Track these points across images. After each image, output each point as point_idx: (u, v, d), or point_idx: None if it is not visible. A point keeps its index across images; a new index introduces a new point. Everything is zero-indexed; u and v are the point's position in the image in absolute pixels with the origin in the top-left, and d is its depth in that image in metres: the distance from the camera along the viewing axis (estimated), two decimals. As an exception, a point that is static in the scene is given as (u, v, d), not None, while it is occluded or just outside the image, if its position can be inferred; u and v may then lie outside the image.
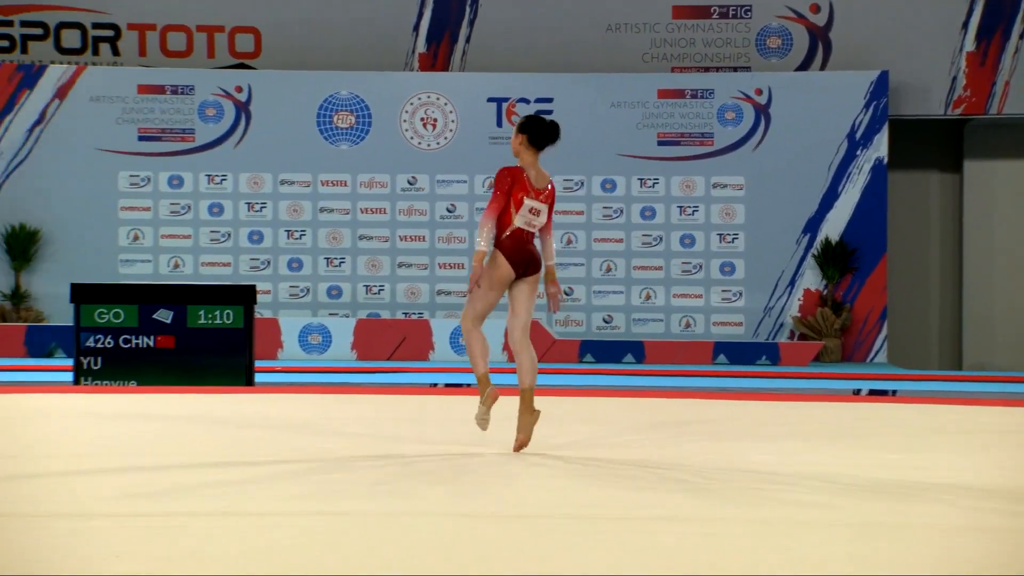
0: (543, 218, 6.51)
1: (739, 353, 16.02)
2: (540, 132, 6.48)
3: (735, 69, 17.38)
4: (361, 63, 17.29)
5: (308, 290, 16.91)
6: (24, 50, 17.09)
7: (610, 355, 16.07)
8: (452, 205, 17.02)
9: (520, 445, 6.38)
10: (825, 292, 16.74)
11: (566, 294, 16.87)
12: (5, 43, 17.08)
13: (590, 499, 4.93)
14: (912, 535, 4.33)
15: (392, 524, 4.32)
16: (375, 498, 4.88)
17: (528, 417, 6.39)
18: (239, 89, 16.94)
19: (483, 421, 6.45)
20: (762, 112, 17.01)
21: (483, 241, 6.37)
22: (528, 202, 6.44)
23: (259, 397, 9.49)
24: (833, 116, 16.88)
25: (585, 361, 16.01)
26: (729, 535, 4.22)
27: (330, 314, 16.74)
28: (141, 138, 16.85)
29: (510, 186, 6.42)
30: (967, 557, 4.00)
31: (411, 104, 17.03)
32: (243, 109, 16.94)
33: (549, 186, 6.54)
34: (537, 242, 6.59)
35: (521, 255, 6.47)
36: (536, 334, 16.03)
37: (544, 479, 5.51)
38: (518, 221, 6.45)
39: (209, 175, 16.88)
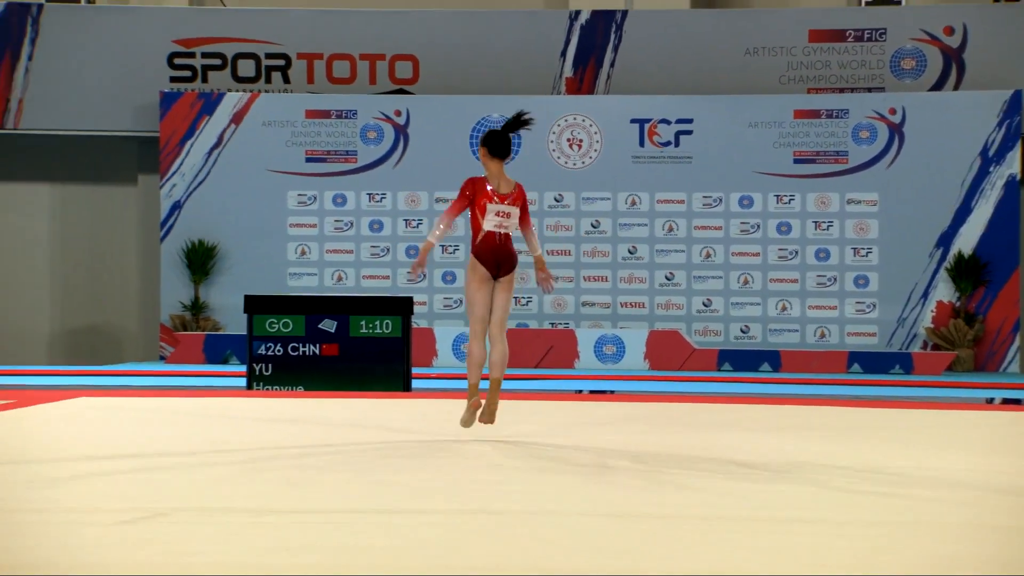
0: (515, 219, 6.90)
1: (873, 362, 15.72)
2: (497, 144, 6.97)
3: (869, 90, 17.09)
4: (512, 87, 17.40)
5: (460, 301, 17.04)
6: (204, 79, 17.56)
7: (747, 364, 15.89)
8: (596, 221, 17.02)
9: (486, 422, 6.93)
10: (958, 304, 16.34)
11: (704, 305, 16.77)
12: (187, 73, 17.58)
13: (751, 500, 4.88)
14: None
15: (544, 523, 4.33)
16: (514, 497, 4.89)
17: (494, 402, 6.90)
18: (398, 113, 17.18)
19: (466, 422, 6.96)
20: (896, 131, 16.69)
21: (432, 234, 6.83)
22: (492, 207, 6.82)
23: (415, 402, 9.60)
24: (966, 134, 16.49)
25: (723, 369, 15.86)
26: (863, 536, 4.16)
27: (482, 323, 16.82)
28: (308, 160, 17.18)
29: (472, 193, 6.84)
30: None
31: (558, 126, 17.09)
32: (401, 132, 17.18)
33: (515, 189, 6.95)
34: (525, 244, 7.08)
35: (495, 256, 6.87)
36: (676, 344, 15.99)
37: (695, 479, 5.48)
38: (487, 225, 6.83)
39: (370, 194, 17.14)
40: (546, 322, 16.88)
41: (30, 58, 17.30)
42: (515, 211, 6.89)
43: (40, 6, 17.38)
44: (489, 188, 6.89)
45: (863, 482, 5.50)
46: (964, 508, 4.88)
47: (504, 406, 9.24)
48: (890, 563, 3.83)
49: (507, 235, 6.91)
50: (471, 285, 6.87)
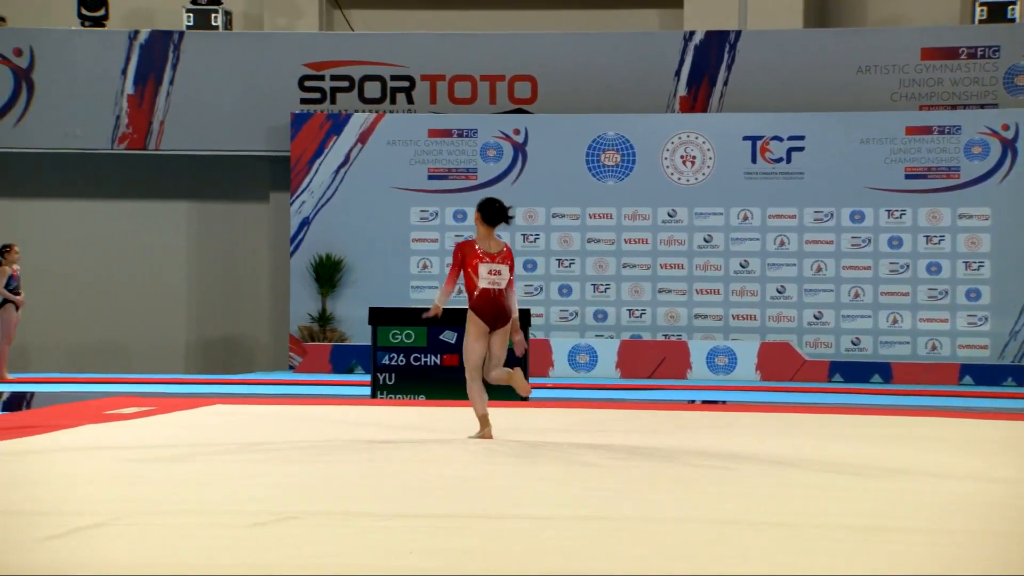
0: (505, 275, 7.25)
1: (985, 375, 15.31)
2: (490, 213, 7.31)
3: (982, 106, 16.68)
4: (627, 106, 17.34)
5: (576, 313, 17.01)
6: (333, 101, 17.79)
7: (858, 375, 15.60)
8: (709, 236, 16.86)
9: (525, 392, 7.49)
10: (1071, 318, 15.86)
11: (815, 318, 16.52)
12: (317, 95, 17.82)
13: (847, 508, 4.77)
14: None
15: (661, 530, 4.27)
16: (629, 504, 4.84)
17: (520, 379, 7.39)
18: (516, 132, 17.22)
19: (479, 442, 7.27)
20: (1009, 147, 16.27)
21: (440, 299, 7.34)
22: (484, 266, 7.22)
23: (532, 411, 9.57)
24: (1080, 149, 16.02)
25: (834, 381, 15.59)
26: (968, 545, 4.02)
27: (596, 335, 16.79)
28: (430, 177, 17.29)
29: (461, 258, 7.27)
30: None
31: (672, 143, 16.97)
32: (520, 149, 17.21)
33: (504, 249, 7.31)
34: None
35: (491, 310, 7.25)
36: (788, 356, 15.73)
37: (789, 487, 5.36)
38: (482, 283, 7.22)
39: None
40: (659, 334, 16.76)
41: (171, 83, 17.68)
42: (505, 269, 7.26)
43: (181, 33, 17.77)
44: (478, 248, 7.28)
45: (981, 493, 5.34)
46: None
47: (617, 415, 9.18)
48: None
49: (501, 291, 7.27)
50: (469, 337, 7.31)
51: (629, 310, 16.94)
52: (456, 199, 17.23)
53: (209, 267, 18.46)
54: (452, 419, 8.53)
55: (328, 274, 17.11)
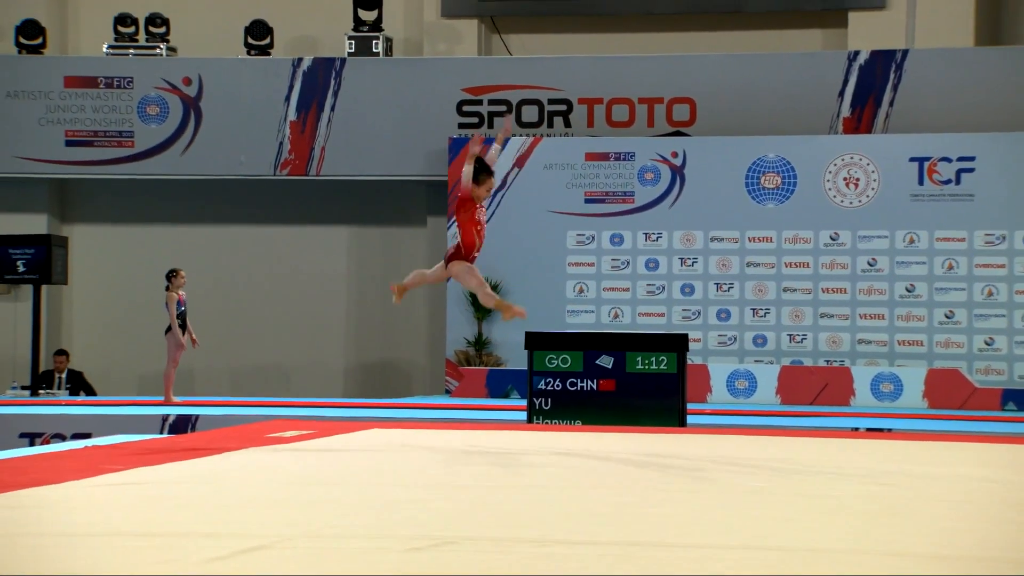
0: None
1: None
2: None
3: None
4: (788, 128, 17.10)
5: (735, 338, 16.80)
6: (490, 125, 17.94)
7: (1033, 405, 15.04)
8: (873, 259, 16.49)
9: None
10: None
11: (986, 344, 16.00)
12: (475, 120, 18.00)
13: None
14: None
15: (835, 562, 4.15)
16: (799, 534, 4.71)
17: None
18: (674, 154, 17.11)
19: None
20: None
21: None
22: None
23: (690, 437, 9.45)
24: None
25: (1007, 409, 15.05)
26: None
27: (755, 361, 16.55)
28: (587, 200, 17.29)
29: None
30: None
31: (834, 165, 16.66)
32: (678, 173, 17.10)
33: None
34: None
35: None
36: (957, 383, 15.25)
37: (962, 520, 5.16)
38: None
39: (647, 233, 17.11)
40: (821, 359, 16.43)
41: (332, 109, 18.06)
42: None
43: (343, 60, 18.14)
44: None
45: None
46: None
47: (779, 443, 8.99)
48: None
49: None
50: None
51: (790, 335, 16.65)
52: (613, 223, 17.20)
53: (368, 291, 18.76)
54: (609, 445, 8.46)
55: (484, 298, 17.17)
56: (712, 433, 10.03)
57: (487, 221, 8.32)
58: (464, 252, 7.98)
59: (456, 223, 8.08)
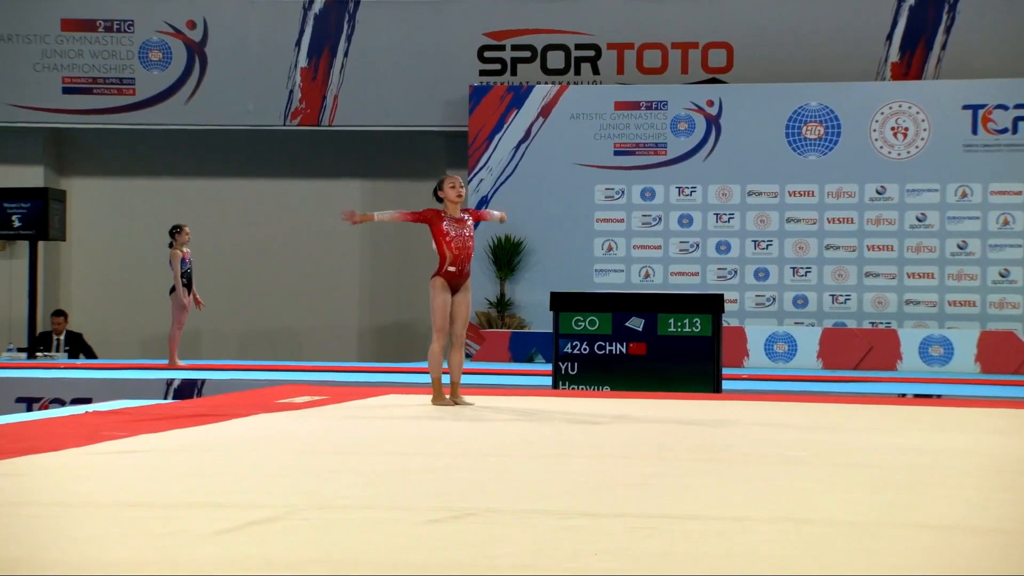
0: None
1: None
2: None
3: None
4: (832, 74, 16.99)
5: (774, 299, 16.76)
6: (513, 72, 17.88)
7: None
8: (922, 214, 16.41)
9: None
10: None
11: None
12: (497, 66, 17.94)
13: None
14: None
15: (867, 534, 4.16)
16: (826, 506, 4.72)
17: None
18: (710, 103, 17.03)
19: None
20: None
21: (381, 215, 8.87)
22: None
23: (725, 404, 9.46)
24: None
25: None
26: None
27: (795, 323, 16.52)
28: (616, 152, 17.24)
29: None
30: None
31: (881, 113, 16.55)
32: (713, 122, 17.02)
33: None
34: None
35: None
36: (1011, 346, 15.20)
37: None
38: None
39: (680, 187, 17.06)
40: (866, 321, 16.39)
41: (346, 55, 18.03)
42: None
43: (357, 2, 18.09)
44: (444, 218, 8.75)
45: None
46: None
47: (819, 409, 8.99)
48: None
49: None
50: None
51: (832, 295, 16.61)
52: (644, 176, 17.15)
53: (382, 249, 18.79)
54: (638, 411, 8.48)
55: (507, 257, 17.22)
56: (749, 400, 10.04)
57: (471, 232, 8.86)
58: (439, 265, 8.81)
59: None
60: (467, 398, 9.03)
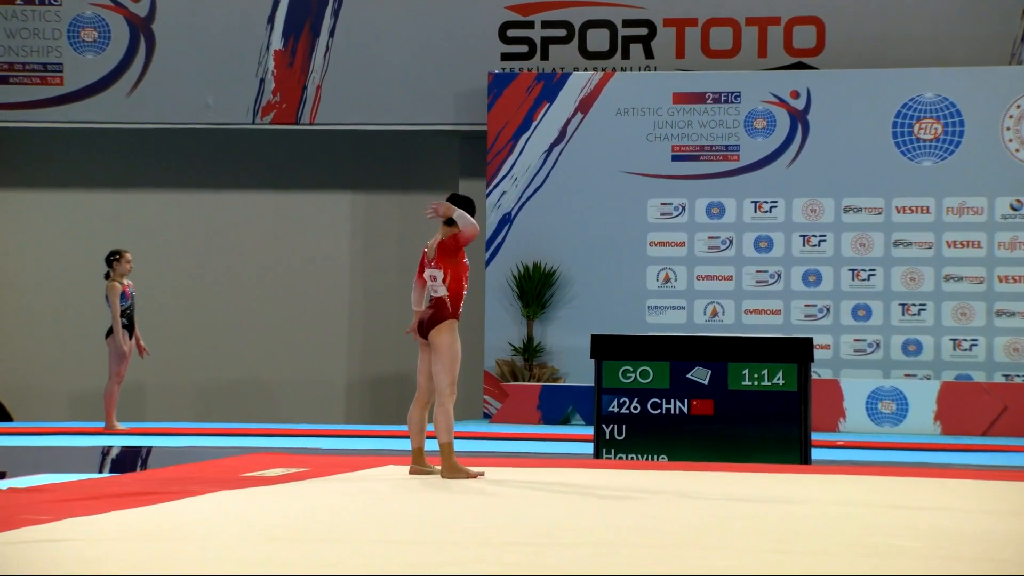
0: (439, 279, 9.05)
1: None
2: None
3: None
4: (952, 57, 16.94)
5: (878, 344, 16.68)
6: (544, 56, 17.88)
7: None
8: (1069, 236, 16.38)
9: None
10: None
11: None
12: (523, 48, 17.94)
13: None
14: None
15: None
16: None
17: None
18: (795, 95, 17.00)
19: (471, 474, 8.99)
20: None
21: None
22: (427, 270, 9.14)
23: (815, 478, 9.39)
24: None
25: None
26: None
27: (906, 375, 16.44)
28: (675, 158, 17.22)
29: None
30: None
31: (1017, 107, 16.50)
32: (799, 119, 16.99)
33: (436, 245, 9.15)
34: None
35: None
36: None
37: None
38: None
39: (756, 201, 17.02)
40: (997, 373, 16.30)
41: (331, 34, 18.07)
42: (439, 273, 9.09)
43: (344, -34, 18.15)
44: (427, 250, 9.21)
45: None
46: None
47: (936, 487, 8.90)
48: None
49: (434, 299, 9.09)
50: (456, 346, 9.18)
51: (953, 340, 16.53)
52: (710, 187, 17.12)
53: (378, 280, 18.77)
54: (703, 488, 8.42)
55: (536, 290, 17.17)
56: (845, 473, 9.96)
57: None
58: (453, 304, 9.08)
59: (447, 272, 9.12)
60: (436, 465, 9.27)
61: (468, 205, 9.08)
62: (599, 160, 17.29)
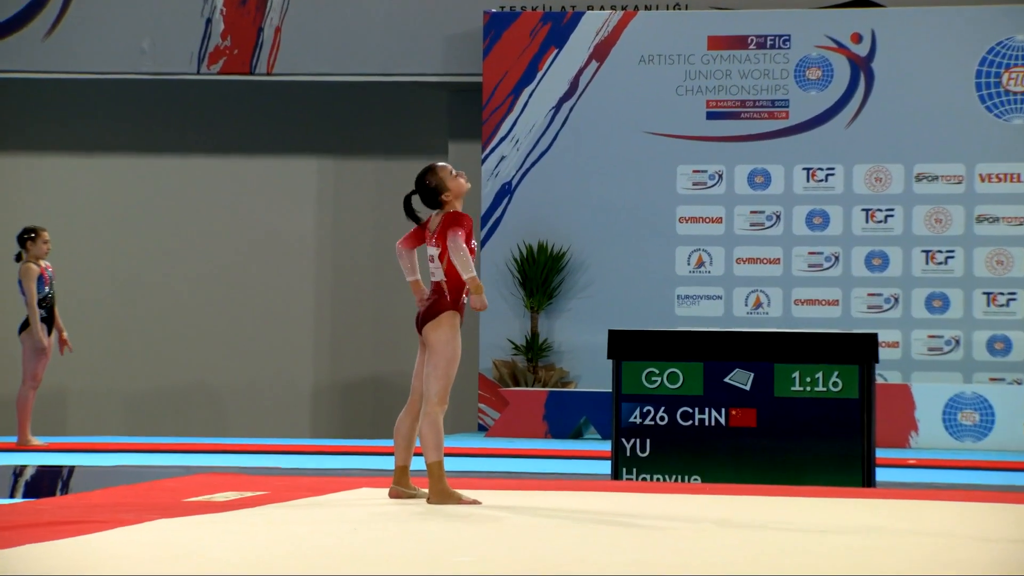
0: (438, 263, 9.00)
1: None
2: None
3: None
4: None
5: (957, 342, 16.68)
6: (550, -6, 17.88)
7: None
8: None
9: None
10: None
11: None
12: (523, -18, 17.95)
13: None
14: None
15: None
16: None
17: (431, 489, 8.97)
18: (856, 38, 16.99)
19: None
20: None
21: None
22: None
23: (880, 504, 9.38)
24: None
25: None
26: None
27: (992, 379, 16.44)
28: (710, 115, 17.21)
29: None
30: None
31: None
32: (862, 67, 16.97)
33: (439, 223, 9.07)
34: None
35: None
36: None
37: None
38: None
39: (808, 168, 17.01)
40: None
41: (290, -36, 18.04)
42: (436, 252, 9.01)
43: None
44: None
45: None
46: None
47: (1000, 512, 8.89)
48: None
49: (435, 283, 9.07)
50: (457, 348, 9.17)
51: (1044, 338, 16.54)
52: (754, 151, 17.11)
53: (351, 263, 18.76)
54: (745, 515, 8.41)
55: (541, 276, 17.16)
56: (917, 498, 9.95)
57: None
58: (452, 295, 9.04)
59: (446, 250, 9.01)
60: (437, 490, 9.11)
61: (426, 191, 9.10)
62: (618, 118, 17.27)
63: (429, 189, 9.05)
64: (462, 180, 9.09)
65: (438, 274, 8.95)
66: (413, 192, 9.10)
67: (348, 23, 18.03)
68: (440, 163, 9.19)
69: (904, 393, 15.73)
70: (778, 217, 17.05)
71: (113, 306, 18.67)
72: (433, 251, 8.97)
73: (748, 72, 17.17)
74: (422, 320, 9.01)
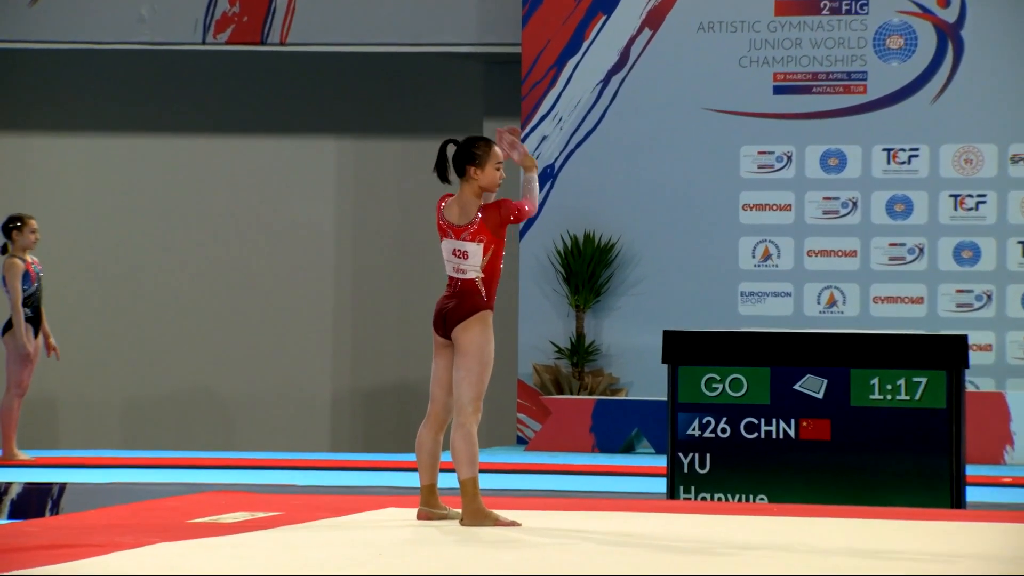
0: (475, 258, 8.95)
1: None
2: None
3: None
4: None
5: (1058, 343, 16.67)
6: (596, -55, 17.89)
7: None
8: None
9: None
10: None
11: None
12: (570, -61, 17.96)
13: None
14: None
15: None
16: None
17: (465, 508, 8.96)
18: (943, 2, 16.95)
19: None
20: None
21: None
22: (445, 242, 9.01)
23: (971, 527, 9.37)
24: None
25: None
26: None
27: (1099, 386, 16.41)
28: (778, 89, 17.20)
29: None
30: None
31: None
32: (950, 35, 16.94)
33: (476, 218, 9.02)
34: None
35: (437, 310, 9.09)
36: None
37: None
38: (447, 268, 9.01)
39: (889, 149, 16.99)
40: None
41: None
42: (475, 248, 8.97)
43: None
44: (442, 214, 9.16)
45: None
46: None
47: None
48: None
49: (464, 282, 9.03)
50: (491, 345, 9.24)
51: None
52: (826, 130, 17.10)
53: (373, 257, 18.79)
54: (818, 539, 8.42)
55: (588, 271, 17.17)
56: (1013, 521, 9.93)
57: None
58: (488, 292, 9.09)
59: (490, 245, 9.06)
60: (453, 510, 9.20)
61: (468, 154, 9.05)
62: (674, 93, 17.28)
63: (471, 154, 9.00)
64: (500, 173, 9.04)
65: (472, 271, 8.93)
66: (455, 143, 9.05)
67: (370, -13, 18.09)
68: (497, 147, 9.10)
69: (998, 402, 15.70)
70: (854, 204, 17.03)
71: (107, 305, 18.73)
72: (470, 247, 8.93)
73: (821, 41, 17.14)
74: (450, 321, 9.00)
